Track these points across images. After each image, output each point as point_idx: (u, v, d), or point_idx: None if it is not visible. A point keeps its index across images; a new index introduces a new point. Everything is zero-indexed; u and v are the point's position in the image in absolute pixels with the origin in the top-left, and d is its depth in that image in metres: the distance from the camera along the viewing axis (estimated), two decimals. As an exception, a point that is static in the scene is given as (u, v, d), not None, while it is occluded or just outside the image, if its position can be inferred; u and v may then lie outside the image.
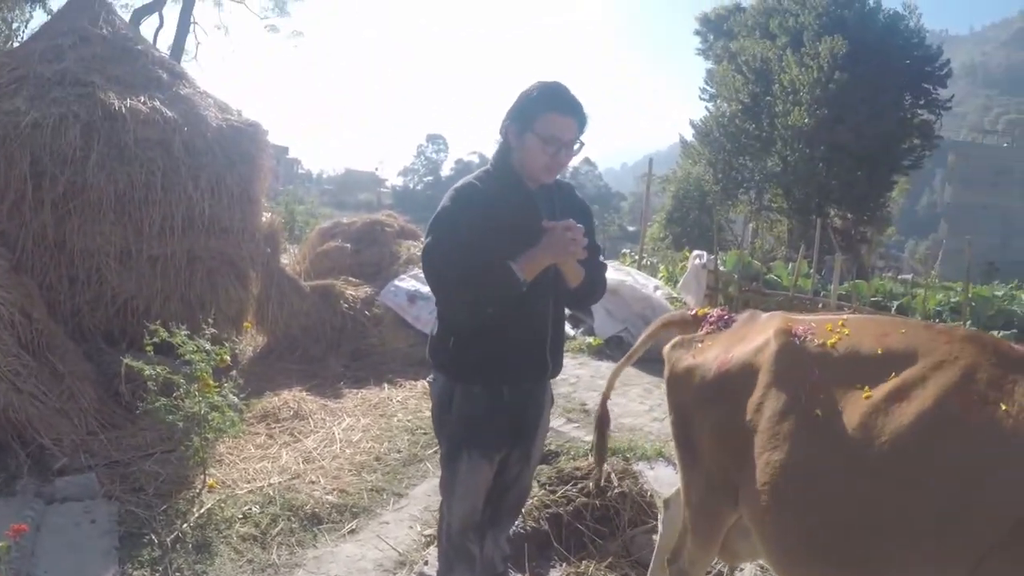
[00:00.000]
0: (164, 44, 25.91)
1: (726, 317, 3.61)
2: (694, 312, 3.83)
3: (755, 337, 3.23)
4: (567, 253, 3.15)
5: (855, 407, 2.72)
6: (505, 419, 3.41)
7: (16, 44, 16.18)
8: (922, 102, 34.45)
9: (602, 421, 4.11)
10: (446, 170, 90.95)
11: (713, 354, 3.33)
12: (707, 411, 3.24)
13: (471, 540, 3.59)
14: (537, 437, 3.62)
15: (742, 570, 4.59)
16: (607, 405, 4.10)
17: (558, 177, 3.47)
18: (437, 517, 5.16)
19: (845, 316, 3.23)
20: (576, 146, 3.31)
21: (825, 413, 2.78)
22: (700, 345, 3.46)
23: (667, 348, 3.61)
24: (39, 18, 22.78)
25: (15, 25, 21.20)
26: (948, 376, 2.61)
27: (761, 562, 3.92)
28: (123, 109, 7.46)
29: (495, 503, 3.64)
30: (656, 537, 4.99)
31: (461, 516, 3.53)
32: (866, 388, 2.73)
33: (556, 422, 6.71)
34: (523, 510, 5.29)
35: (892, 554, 2.57)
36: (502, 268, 3.07)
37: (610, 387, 4.18)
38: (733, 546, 3.46)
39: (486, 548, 3.80)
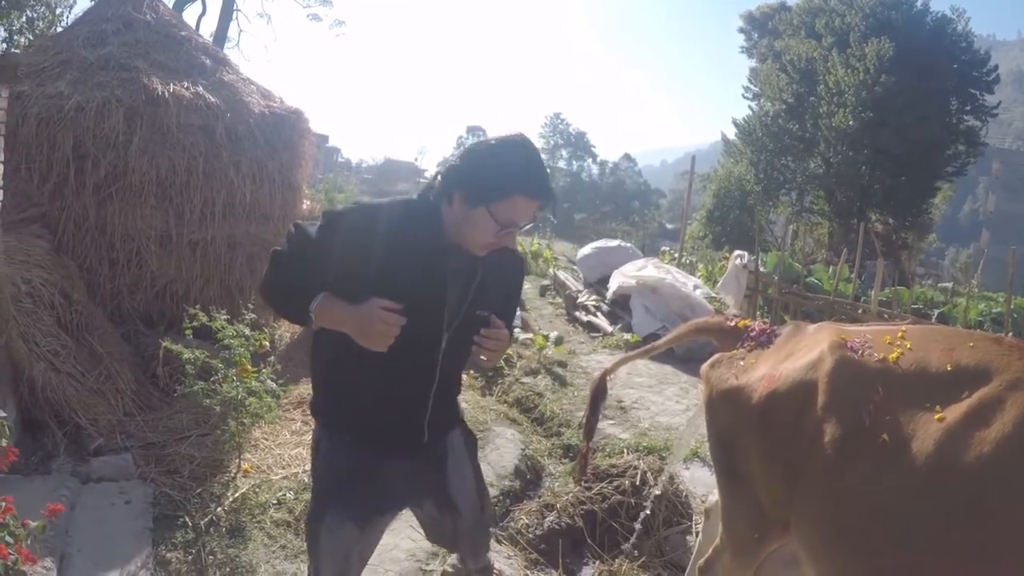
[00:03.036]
0: (207, 31, 26.00)
1: (768, 331, 3.37)
2: (734, 323, 3.59)
3: (805, 352, 2.96)
4: (367, 340, 2.56)
5: (927, 431, 2.47)
6: (380, 478, 2.90)
7: (60, 29, 16.29)
8: (968, 108, 34.06)
9: (596, 394, 3.94)
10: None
11: (759, 373, 3.07)
12: (755, 435, 2.98)
13: None
14: (449, 483, 3.05)
15: None
16: (606, 381, 3.97)
17: None
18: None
19: (903, 327, 2.94)
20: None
21: (893, 438, 2.52)
22: (743, 363, 3.21)
23: (706, 367, 3.38)
24: (83, 3, 22.97)
25: (59, 10, 21.37)
26: None
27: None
28: (166, 94, 7.48)
29: (456, 551, 3.31)
30: (690, 539, 4.95)
31: None
32: (937, 409, 2.49)
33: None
34: (558, 505, 5.27)
35: None
36: (305, 295, 2.62)
37: (615, 368, 4.08)
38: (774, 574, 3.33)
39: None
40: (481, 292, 2.78)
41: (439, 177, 2.76)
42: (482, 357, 2.70)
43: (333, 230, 2.66)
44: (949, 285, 28.13)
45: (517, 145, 2.65)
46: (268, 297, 2.83)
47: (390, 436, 2.84)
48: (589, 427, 4.10)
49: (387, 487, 2.91)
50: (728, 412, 3.14)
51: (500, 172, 2.60)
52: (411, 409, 2.85)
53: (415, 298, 2.59)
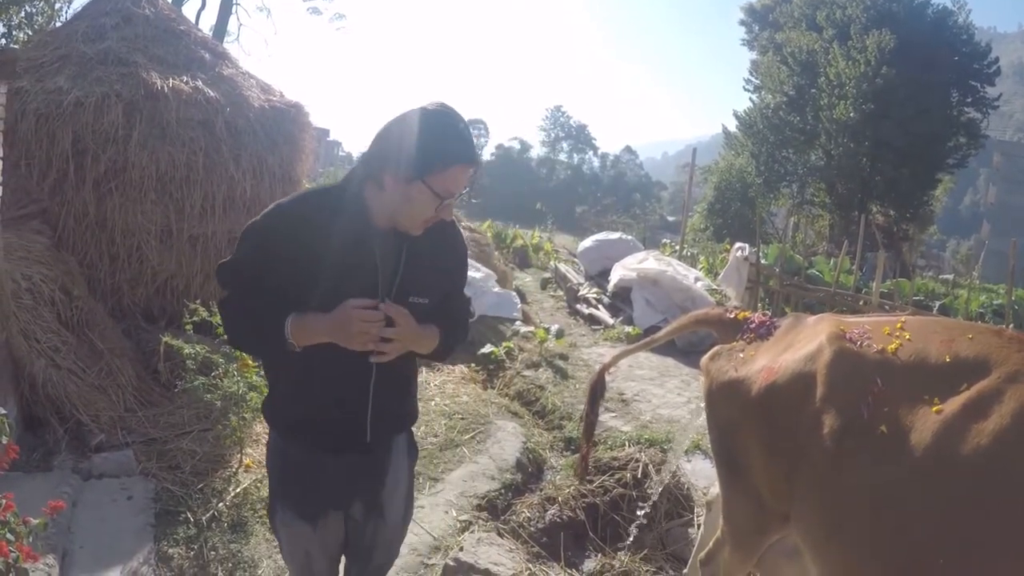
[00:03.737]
0: (206, 25, 25.88)
1: (768, 323, 3.35)
2: (734, 315, 3.56)
3: (804, 343, 2.95)
4: (352, 344, 2.52)
5: (925, 423, 2.44)
6: (323, 476, 2.83)
7: (58, 24, 16.25)
8: (969, 100, 34.12)
9: (595, 389, 3.94)
10: (486, 155, 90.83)
11: (758, 365, 3.05)
12: (754, 427, 2.97)
13: None
14: (385, 488, 2.96)
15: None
16: (604, 376, 3.98)
17: None
18: (472, 504, 5.17)
19: (902, 318, 2.91)
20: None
21: (892, 429, 2.49)
22: (742, 355, 3.20)
23: (705, 359, 3.37)
24: (81, -2, 22.87)
25: (57, 5, 21.28)
26: None
27: None
28: (165, 89, 7.47)
29: (361, 565, 3.11)
30: (692, 531, 4.94)
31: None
32: (935, 401, 2.47)
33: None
34: (560, 498, 5.27)
35: None
36: (275, 324, 2.54)
37: (613, 362, 4.10)
38: (776, 567, 3.32)
39: None
40: (411, 277, 2.66)
41: (360, 162, 2.70)
42: (380, 354, 2.58)
43: (253, 241, 2.61)
44: (950, 277, 28.17)
45: (442, 115, 2.53)
46: (242, 350, 2.72)
47: (333, 435, 2.78)
48: (588, 424, 4.09)
49: (330, 485, 2.84)
50: (728, 404, 3.13)
51: (434, 143, 2.48)
52: (352, 407, 2.75)
53: (346, 289, 2.52)
